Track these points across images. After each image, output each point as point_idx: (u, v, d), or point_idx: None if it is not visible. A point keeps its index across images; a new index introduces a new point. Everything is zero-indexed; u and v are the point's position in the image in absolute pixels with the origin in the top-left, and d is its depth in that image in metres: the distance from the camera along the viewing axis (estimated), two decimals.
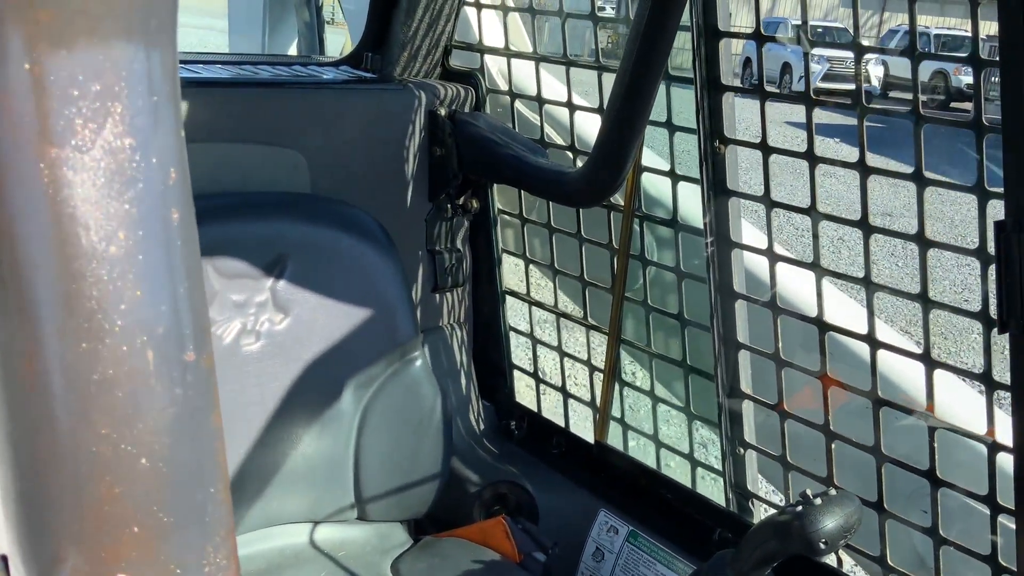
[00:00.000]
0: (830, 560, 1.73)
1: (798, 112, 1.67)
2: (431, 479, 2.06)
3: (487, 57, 2.29)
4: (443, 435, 2.07)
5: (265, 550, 1.96)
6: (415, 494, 2.06)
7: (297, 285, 1.95)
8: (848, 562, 1.84)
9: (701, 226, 1.85)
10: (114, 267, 0.50)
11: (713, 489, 2.01)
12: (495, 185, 2.30)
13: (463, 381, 2.33)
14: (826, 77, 18.73)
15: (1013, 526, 1.46)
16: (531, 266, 2.30)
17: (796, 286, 1.98)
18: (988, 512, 1.52)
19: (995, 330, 1.44)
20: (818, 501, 1.46)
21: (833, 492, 1.49)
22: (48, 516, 0.50)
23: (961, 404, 1.75)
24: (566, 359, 2.25)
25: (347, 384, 1.99)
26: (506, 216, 2.35)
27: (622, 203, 2.01)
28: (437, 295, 2.30)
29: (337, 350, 1.98)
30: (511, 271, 2.36)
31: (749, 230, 1.94)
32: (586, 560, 2.12)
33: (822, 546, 1.44)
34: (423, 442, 2.05)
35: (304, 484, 1.98)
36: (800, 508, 1.47)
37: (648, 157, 2.00)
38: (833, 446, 1.70)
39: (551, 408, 2.32)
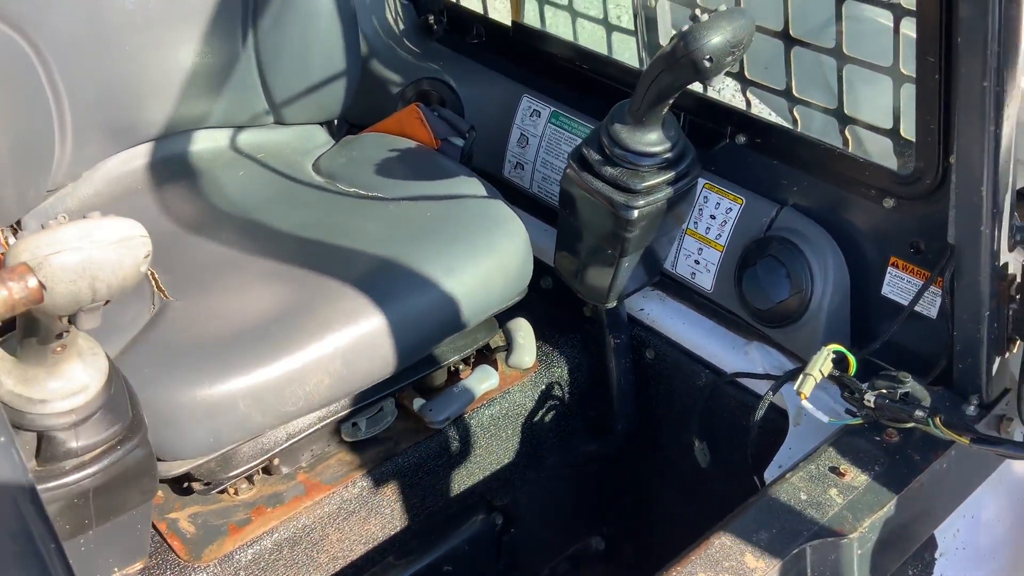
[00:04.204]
0: (735, 102, 1.67)
1: None
2: (341, 76, 1.98)
3: None
4: (349, 29, 1.96)
5: (188, 151, 1.93)
6: (327, 93, 1.99)
7: None
8: (756, 103, 1.78)
9: None
10: None
11: (628, 54, 1.92)
12: None
13: None
14: None
15: (913, 35, 1.37)
16: None
17: None
18: (891, 24, 1.42)
19: None
20: (705, 18, 1.37)
21: (723, 7, 1.39)
22: None
23: None
24: None
25: None
26: None
27: None
28: None
29: None
30: None
31: None
32: (512, 148, 2.09)
33: (706, 63, 1.36)
34: (327, 38, 1.94)
35: (209, 86, 1.91)
36: (685, 28, 1.38)
37: None
38: None
39: None
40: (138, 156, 1.89)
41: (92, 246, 0.87)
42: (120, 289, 0.90)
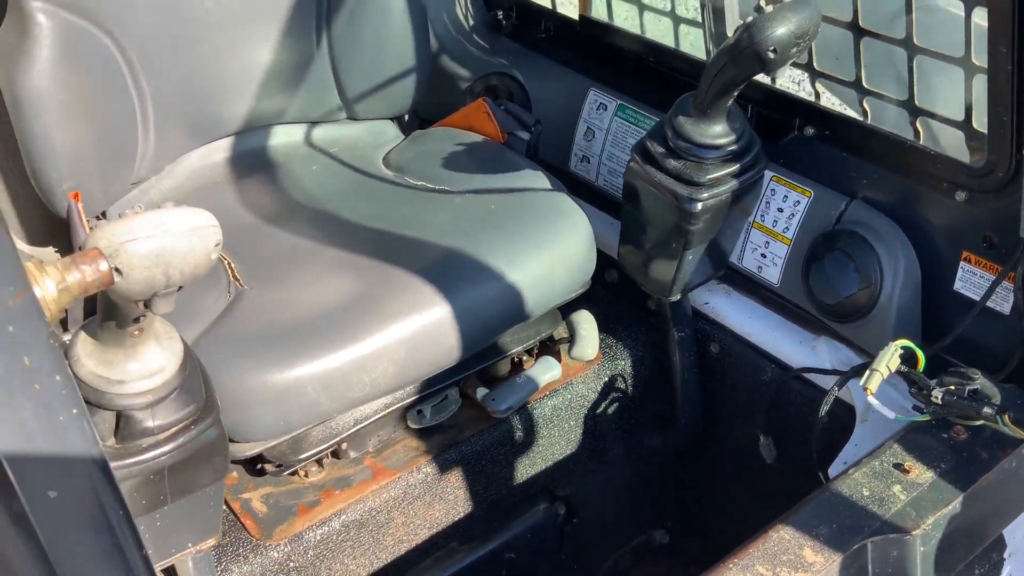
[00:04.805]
0: (802, 93, 1.65)
1: None
2: (411, 72, 2.02)
3: None
4: (419, 26, 1.99)
5: (265, 146, 1.99)
6: (398, 89, 2.03)
7: None
8: (826, 96, 1.76)
9: None
10: None
11: (695, 47, 1.91)
12: None
13: None
14: None
15: (985, 24, 1.34)
16: None
17: None
18: (962, 14, 1.39)
19: None
20: (769, 8, 1.36)
21: None
22: None
23: None
24: None
25: None
26: None
27: None
28: None
29: None
30: None
31: None
32: (578, 141, 2.10)
33: (771, 55, 1.35)
34: (399, 36, 1.98)
35: (285, 83, 1.96)
36: (749, 19, 1.37)
37: None
38: None
39: None
40: (217, 150, 1.95)
41: (165, 234, 0.92)
42: (192, 275, 0.95)
